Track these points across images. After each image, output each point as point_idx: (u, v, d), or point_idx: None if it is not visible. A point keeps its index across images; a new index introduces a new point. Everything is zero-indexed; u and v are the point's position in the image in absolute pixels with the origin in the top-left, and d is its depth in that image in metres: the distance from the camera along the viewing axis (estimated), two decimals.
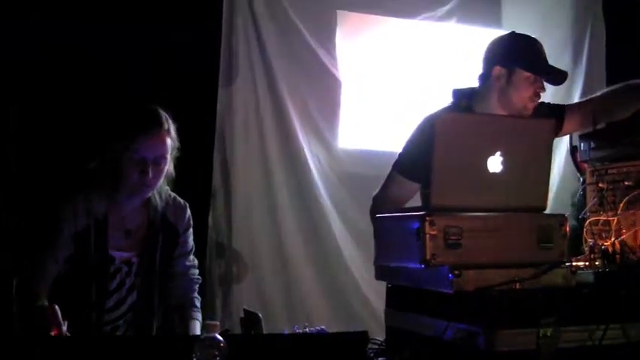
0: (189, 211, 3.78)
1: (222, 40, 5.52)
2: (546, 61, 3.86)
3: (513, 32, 3.97)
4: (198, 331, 3.58)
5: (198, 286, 3.82)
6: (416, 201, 3.83)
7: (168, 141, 3.53)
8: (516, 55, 3.83)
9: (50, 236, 3.45)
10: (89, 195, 3.50)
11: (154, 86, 5.02)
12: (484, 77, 3.92)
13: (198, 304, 3.77)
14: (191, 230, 3.82)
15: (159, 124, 3.51)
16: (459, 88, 4.01)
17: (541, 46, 3.87)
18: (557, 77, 3.88)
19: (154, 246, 3.64)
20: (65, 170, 4.05)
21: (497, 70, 3.84)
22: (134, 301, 3.61)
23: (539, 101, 3.90)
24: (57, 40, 4.87)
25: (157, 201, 3.65)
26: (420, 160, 3.63)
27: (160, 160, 3.50)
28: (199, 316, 3.73)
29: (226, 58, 5.55)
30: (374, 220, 3.69)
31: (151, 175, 3.46)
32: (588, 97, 4.23)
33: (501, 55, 3.87)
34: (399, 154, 3.89)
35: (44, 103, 4.86)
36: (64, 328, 3.15)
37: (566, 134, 3.97)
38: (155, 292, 3.65)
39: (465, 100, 3.91)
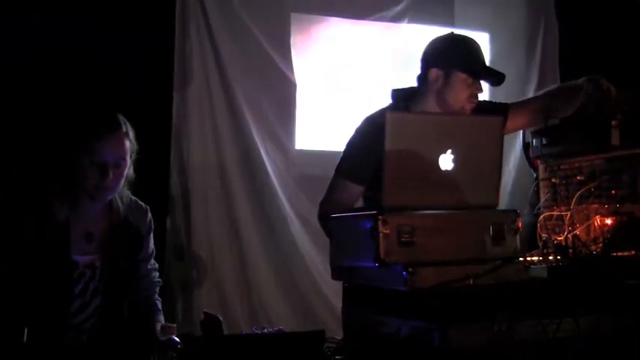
0: (150, 215, 3.78)
1: (176, 45, 5.52)
2: (484, 63, 3.87)
3: (451, 33, 3.99)
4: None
5: (159, 288, 3.82)
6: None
7: (127, 143, 3.52)
8: (453, 57, 3.81)
9: (12, 243, 3.43)
10: (50, 201, 3.48)
11: (109, 89, 5.01)
12: (421, 78, 3.90)
13: (160, 306, 3.77)
14: (152, 234, 3.81)
15: (117, 126, 3.50)
16: (397, 88, 4.01)
17: (479, 47, 3.86)
18: (495, 79, 3.89)
19: (118, 249, 3.62)
20: (23, 178, 4.01)
21: (434, 72, 3.82)
22: (98, 305, 3.59)
23: (484, 100, 3.93)
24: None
25: (119, 204, 3.64)
26: (362, 162, 3.68)
27: (119, 163, 3.48)
28: (162, 319, 3.74)
29: (180, 63, 5.55)
30: (324, 223, 3.72)
31: (111, 177, 3.45)
32: (531, 97, 4.28)
33: (438, 57, 3.85)
34: (341, 159, 3.88)
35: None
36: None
37: (510, 132, 3.98)
38: (120, 294, 3.64)
39: (403, 101, 3.91)
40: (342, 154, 3.90)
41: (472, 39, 3.91)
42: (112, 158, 3.45)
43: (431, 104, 3.84)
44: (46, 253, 3.43)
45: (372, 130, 3.76)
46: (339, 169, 3.86)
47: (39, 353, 2.82)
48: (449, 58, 3.81)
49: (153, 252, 3.81)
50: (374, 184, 3.64)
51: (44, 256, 3.43)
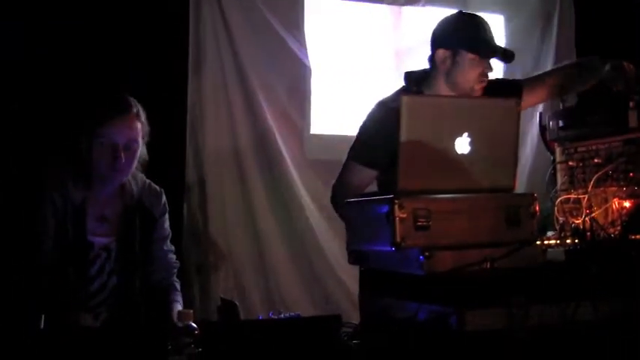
0: (164, 197, 3.79)
1: (190, 31, 5.51)
2: (492, 41, 3.81)
3: (459, 12, 3.94)
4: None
5: (176, 270, 3.83)
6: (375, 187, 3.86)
7: (138, 125, 3.53)
8: (459, 36, 3.78)
9: (32, 226, 3.43)
10: (65, 184, 3.48)
11: (123, 77, 5.01)
12: (431, 60, 3.87)
13: (178, 287, 3.78)
14: (167, 216, 3.82)
15: (127, 107, 3.51)
16: (410, 71, 3.99)
17: (487, 25, 3.81)
18: (504, 56, 3.85)
19: (132, 231, 3.64)
20: (38, 164, 4.01)
21: (442, 52, 3.80)
22: (114, 286, 3.61)
23: (496, 78, 3.90)
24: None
25: (133, 187, 3.65)
26: (375, 146, 3.68)
27: (131, 145, 3.49)
28: (180, 299, 3.74)
29: (195, 49, 5.54)
30: (338, 207, 3.73)
31: (123, 159, 3.46)
32: (546, 71, 4.26)
33: (444, 37, 3.82)
34: (354, 142, 3.89)
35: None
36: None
37: (525, 109, 3.95)
38: (136, 275, 3.66)
39: (415, 83, 3.90)
40: (355, 138, 3.91)
41: (480, 17, 3.87)
42: (122, 140, 3.47)
43: (441, 86, 3.82)
44: (63, 235, 3.44)
45: (384, 115, 3.76)
46: (352, 153, 3.87)
47: (56, 338, 2.82)
48: (455, 38, 3.79)
49: (169, 234, 3.82)
50: (387, 168, 3.65)
51: (61, 238, 3.44)
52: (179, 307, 3.64)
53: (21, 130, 4.80)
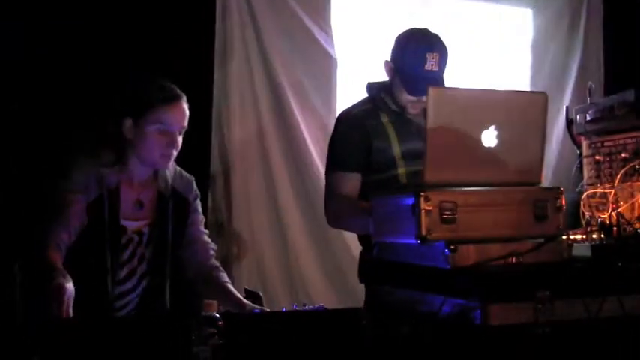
0: (195, 184, 3.80)
1: (217, 22, 5.51)
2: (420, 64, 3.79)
3: (409, 29, 3.99)
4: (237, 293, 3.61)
5: (214, 252, 3.83)
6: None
7: (187, 111, 3.56)
8: (397, 54, 3.92)
9: (63, 207, 3.42)
10: (101, 166, 3.49)
11: (149, 69, 5.02)
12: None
13: (220, 267, 3.79)
14: (199, 201, 3.84)
15: (180, 94, 3.54)
16: (371, 82, 4.11)
17: (426, 46, 3.82)
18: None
19: (166, 216, 3.64)
20: (74, 142, 4.01)
21: (387, 64, 3.95)
22: (144, 272, 3.63)
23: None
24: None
25: (166, 172, 3.67)
26: (351, 151, 3.81)
27: (182, 132, 3.52)
28: (226, 276, 3.74)
29: (221, 40, 5.54)
30: (339, 222, 3.94)
31: (179, 146, 3.50)
32: None
33: (392, 52, 3.95)
34: (329, 155, 3.97)
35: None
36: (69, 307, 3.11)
37: None
38: (166, 262, 3.67)
39: (377, 93, 4.03)
40: (328, 153, 3.98)
41: (422, 35, 3.91)
42: (178, 127, 3.50)
43: (403, 94, 3.88)
44: (97, 218, 3.45)
45: (350, 121, 3.91)
46: (331, 165, 3.93)
47: (84, 323, 2.83)
48: (394, 53, 3.94)
49: (203, 219, 3.84)
50: (365, 173, 3.79)
51: (95, 221, 3.45)
52: (230, 287, 3.66)
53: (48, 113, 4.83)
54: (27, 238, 3.51)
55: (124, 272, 3.55)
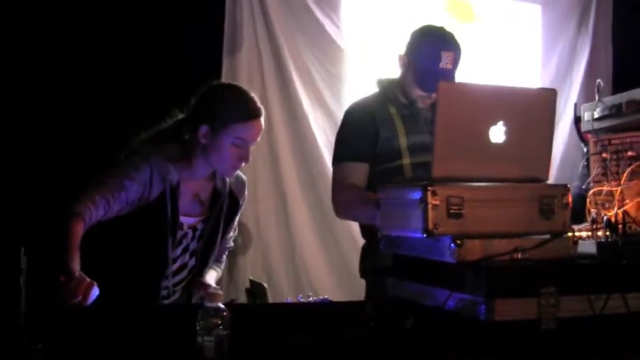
0: (246, 188, 3.90)
1: (227, 11, 5.52)
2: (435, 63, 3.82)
3: (423, 26, 4.00)
4: (211, 280, 3.71)
5: (227, 251, 3.98)
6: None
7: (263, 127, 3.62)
8: (411, 48, 3.93)
9: (114, 187, 3.35)
10: (167, 161, 3.50)
11: (157, 59, 5.04)
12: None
13: (223, 260, 3.93)
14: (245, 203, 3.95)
15: (261, 111, 3.57)
16: (381, 78, 4.12)
17: (440, 44, 3.84)
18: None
19: (220, 215, 3.70)
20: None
21: (401, 58, 3.96)
22: (192, 267, 3.68)
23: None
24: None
25: None
26: (359, 142, 3.84)
27: (253, 144, 3.57)
28: (219, 268, 3.88)
29: (230, 29, 5.55)
30: (348, 212, 3.92)
31: (250, 160, 3.56)
32: None
33: (406, 46, 3.95)
34: (336, 146, 3.99)
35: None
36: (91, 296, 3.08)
37: None
38: (212, 257, 3.75)
39: (387, 87, 4.04)
40: (336, 143, 4.00)
41: (438, 33, 3.92)
42: (253, 142, 3.55)
43: (414, 88, 3.90)
44: (162, 214, 3.48)
45: (358, 111, 3.95)
46: (338, 155, 3.95)
47: (89, 312, 2.84)
48: (409, 49, 3.94)
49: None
50: (372, 164, 3.82)
51: (159, 217, 3.48)
52: (212, 273, 3.76)
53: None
54: (45, 208, 3.52)
55: (176, 266, 3.59)
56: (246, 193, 3.88)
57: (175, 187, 3.49)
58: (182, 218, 3.56)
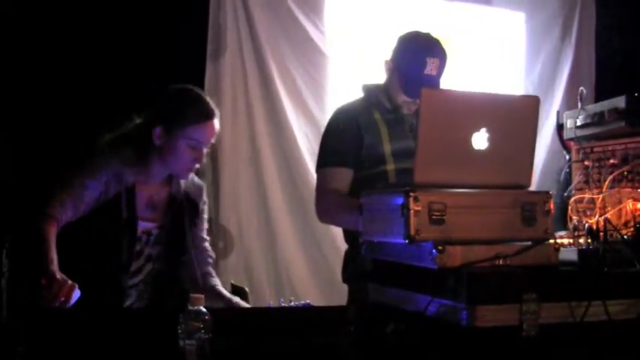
0: (205, 191, 3.90)
1: (210, 16, 5.51)
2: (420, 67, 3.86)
3: (411, 32, 4.04)
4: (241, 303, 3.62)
5: (212, 260, 3.91)
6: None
7: (218, 128, 3.64)
8: (397, 54, 3.97)
9: (76, 187, 3.39)
10: (123, 164, 3.51)
11: (139, 64, 5.03)
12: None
13: (212, 273, 3.86)
14: (207, 208, 3.91)
15: (214, 112, 3.61)
16: (366, 83, 4.15)
17: (425, 51, 3.88)
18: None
19: (178, 220, 3.71)
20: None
21: (386, 63, 4.00)
22: (149, 271, 3.67)
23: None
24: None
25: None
26: (343, 147, 3.85)
27: (207, 146, 3.58)
28: (218, 281, 3.83)
29: (214, 34, 5.54)
30: (331, 216, 3.94)
31: (204, 162, 3.62)
32: None
33: (393, 52, 3.99)
34: (320, 151, 4.00)
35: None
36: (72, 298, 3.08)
37: None
38: (172, 264, 3.73)
39: (372, 92, 4.06)
40: (320, 148, 4.01)
41: (424, 39, 3.96)
42: (207, 143, 3.58)
43: (399, 93, 3.93)
44: (117, 215, 3.49)
45: (343, 117, 3.96)
46: (322, 161, 3.96)
47: (71, 315, 2.84)
48: (395, 54, 3.99)
49: (206, 226, 3.91)
50: (356, 169, 3.83)
51: (115, 218, 3.48)
52: (220, 288, 3.73)
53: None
54: (20, 209, 3.52)
55: (132, 268, 3.58)
56: (204, 196, 3.88)
57: (131, 189, 3.51)
58: (138, 222, 3.57)
